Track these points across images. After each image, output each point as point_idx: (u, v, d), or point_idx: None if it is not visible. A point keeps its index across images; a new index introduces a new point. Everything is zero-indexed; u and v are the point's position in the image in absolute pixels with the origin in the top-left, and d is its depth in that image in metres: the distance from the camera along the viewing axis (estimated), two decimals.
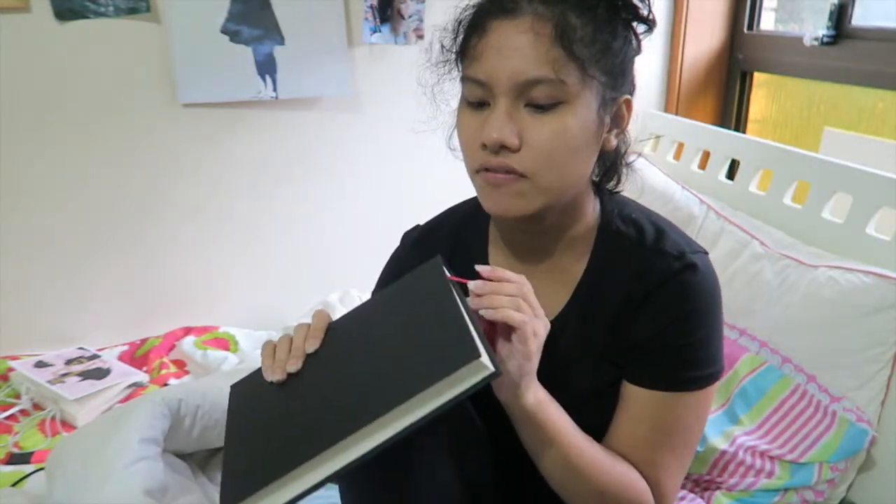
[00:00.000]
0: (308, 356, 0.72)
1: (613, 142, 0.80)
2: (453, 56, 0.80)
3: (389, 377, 0.64)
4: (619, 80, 0.76)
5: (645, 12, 0.76)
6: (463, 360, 0.59)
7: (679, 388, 0.80)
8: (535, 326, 0.70)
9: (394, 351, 0.68)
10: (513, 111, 0.73)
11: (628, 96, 0.79)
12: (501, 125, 0.72)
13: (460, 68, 0.79)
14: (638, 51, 0.79)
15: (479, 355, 0.59)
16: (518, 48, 0.71)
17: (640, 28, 0.78)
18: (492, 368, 0.60)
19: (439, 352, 0.62)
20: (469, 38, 0.76)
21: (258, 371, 0.75)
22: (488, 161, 0.74)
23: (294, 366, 0.71)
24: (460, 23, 0.78)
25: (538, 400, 0.74)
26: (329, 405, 0.65)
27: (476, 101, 0.76)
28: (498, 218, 0.79)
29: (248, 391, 0.76)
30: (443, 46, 0.81)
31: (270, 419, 0.69)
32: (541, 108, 0.73)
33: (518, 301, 0.70)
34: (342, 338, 0.73)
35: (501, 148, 0.73)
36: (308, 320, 0.77)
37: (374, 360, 0.68)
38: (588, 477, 0.77)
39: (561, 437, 0.75)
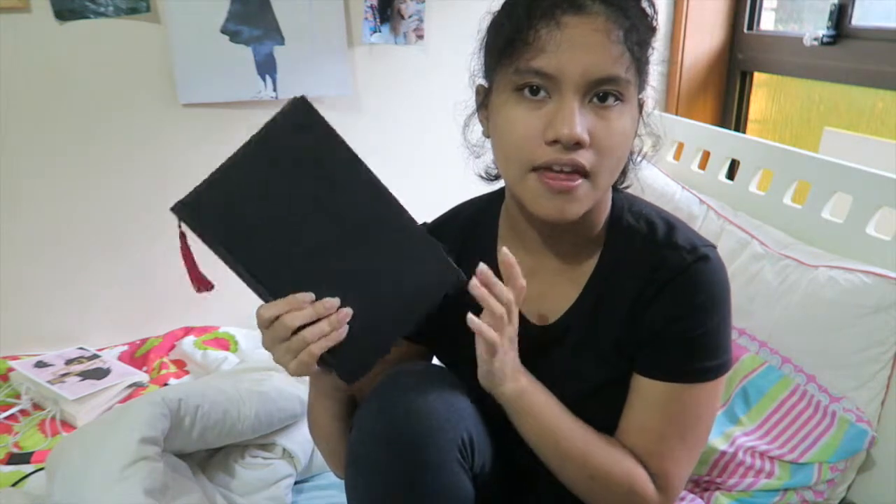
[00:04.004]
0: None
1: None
2: (501, 46, 0.76)
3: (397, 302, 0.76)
4: (647, 82, 0.80)
5: (651, 21, 0.78)
6: (455, 283, 0.77)
7: (689, 379, 0.80)
8: (505, 340, 0.74)
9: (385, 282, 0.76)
10: (580, 107, 0.72)
11: (643, 98, 0.82)
12: (576, 120, 0.71)
13: (508, 58, 0.74)
14: None
15: (463, 278, 0.75)
16: (593, 45, 0.71)
17: None
18: (464, 277, 0.75)
19: (431, 277, 0.77)
20: (531, 29, 0.72)
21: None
22: (557, 158, 0.72)
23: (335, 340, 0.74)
24: (515, 10, 0.74)
25: (518, 388, 0.77)
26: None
27: (533, 94, 0.73)
28: (550, 221, 0.76)
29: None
30: (497, 32, 0.77)
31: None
32: (604, 106, 0.73)
33: (500, 319, 0.73)
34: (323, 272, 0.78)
35: (574, 144, 0.72)
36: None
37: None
38: (575, 462, 0.80)
39: (546, 423, 0.79)
